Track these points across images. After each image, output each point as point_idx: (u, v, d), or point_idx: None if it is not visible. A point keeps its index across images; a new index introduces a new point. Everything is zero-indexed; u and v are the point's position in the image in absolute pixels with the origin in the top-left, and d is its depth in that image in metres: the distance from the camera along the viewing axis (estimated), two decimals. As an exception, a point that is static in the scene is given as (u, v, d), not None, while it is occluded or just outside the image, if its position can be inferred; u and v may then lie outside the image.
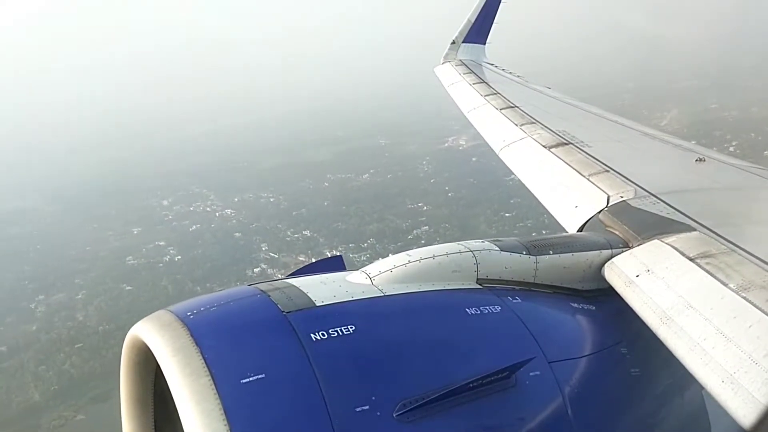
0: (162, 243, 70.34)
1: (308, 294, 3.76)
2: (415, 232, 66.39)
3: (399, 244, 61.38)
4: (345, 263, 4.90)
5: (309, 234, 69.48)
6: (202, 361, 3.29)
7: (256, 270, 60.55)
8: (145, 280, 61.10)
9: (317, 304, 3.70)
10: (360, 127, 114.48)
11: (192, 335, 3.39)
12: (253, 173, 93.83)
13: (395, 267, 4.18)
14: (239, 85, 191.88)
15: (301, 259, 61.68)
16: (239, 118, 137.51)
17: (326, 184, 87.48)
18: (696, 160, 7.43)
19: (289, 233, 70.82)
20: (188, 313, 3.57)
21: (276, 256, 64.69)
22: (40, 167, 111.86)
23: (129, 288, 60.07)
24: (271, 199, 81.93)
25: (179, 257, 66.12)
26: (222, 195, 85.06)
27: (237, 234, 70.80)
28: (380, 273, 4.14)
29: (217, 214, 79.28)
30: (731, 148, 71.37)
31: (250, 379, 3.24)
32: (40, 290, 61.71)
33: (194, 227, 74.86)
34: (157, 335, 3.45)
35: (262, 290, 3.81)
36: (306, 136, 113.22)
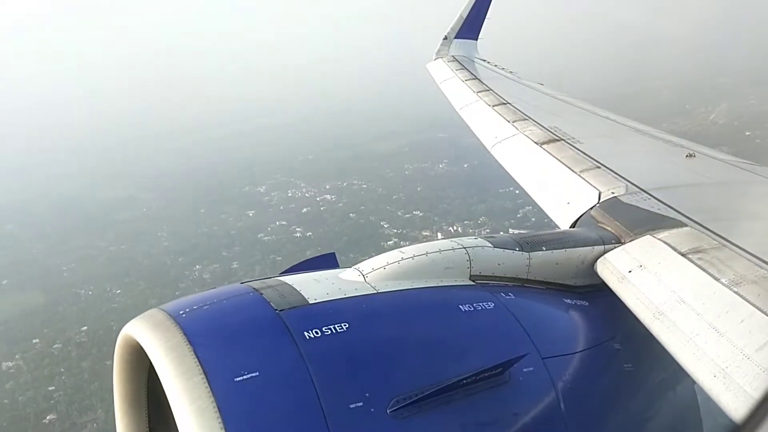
0: (284, 223, 73.98)
1: (301, 292, 3.78)
2: (521, 211, 73.01)
3: (512, 221, 66.40)
4: (338, 260, 4.96)
5: (421, 214, 74.18)
6: (196, 359, 3.31)
7: (389, 243, 67.70)
8: (291, 251, 63.44)
9: (310, 302, 3.71)
10: (411, 122, 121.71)
11: (185, 334, 3.42)
12: (329, 164, 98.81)
13: (388, 264, 4.22)
14: (252, 87, 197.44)
15: (425, 234, 67.90)
16: (275, 119, 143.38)
17: (407, 173, 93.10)
18: (686, 156, 7.48)
19: (399, 213, 76.74)
20: (180, 312, 3.59)
21: (401, 231, 70.47)
22: (111, 159, 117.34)
23: (280, 258, 66.65)
24: (364, 186, 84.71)
25: (310, 233, 69.80)
26: (312, 183, 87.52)
27: (352, 215, 74.22)
28: (373, 270, 4.18)
29: (318, 198, 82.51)
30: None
31: (244, 377, 3.28)
32: (193, 262, 65.71)
33: (305, 209, 78.27)
34: (150, 334, 3.47)
35: (254, 288, 3.82)
36: (358, 131, 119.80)
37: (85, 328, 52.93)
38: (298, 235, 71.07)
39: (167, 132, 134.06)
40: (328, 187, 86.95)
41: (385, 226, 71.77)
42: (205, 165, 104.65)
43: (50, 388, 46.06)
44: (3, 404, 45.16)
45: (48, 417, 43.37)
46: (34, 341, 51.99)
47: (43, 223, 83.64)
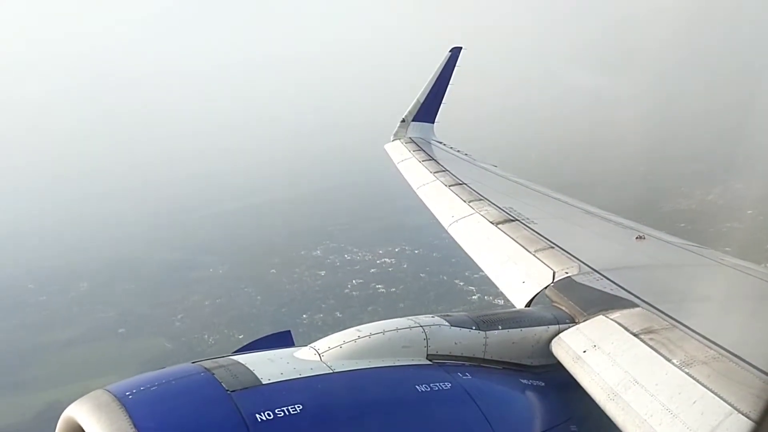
0: (361, 281, 76.67)
1: (254, 371, 3.79)
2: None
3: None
4: (293, 339, 5.07)
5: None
6: None
7: (474, 297, 66.30)
8: (385, 304, 67.00)
9: (264, 382, 3.72)
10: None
11: (130, 417, 3.37)
12: (368, 233, 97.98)
13: (345, 343, 4.29)
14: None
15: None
16: (283, 193, 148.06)
17: (450, 241, 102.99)
18: (636, 238, 7.90)
19: (467, 274, 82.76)
20: (127, 393, 3.54)
21: (479, 287, 68.70)
22: (154, 225, 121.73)
23: (380, 309, 65.22)
24: (416, 251, 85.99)
25: (393, 289, 72.73)
26: (364, 248, 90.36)
27: (422, 275, 76.41)
28: (329, 349, 4.23)
29: (377, 261, 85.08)
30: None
31: None
32: (298, 312, 68.41)
33: (372, 270, 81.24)
34: (93, 417, 3.41)
35: (206, 368, 3.80)
36: (373, 205, 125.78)
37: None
38: (383, 290, 74.00)
39: (187, 206, 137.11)
40: (381, 252, 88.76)
41: (461, 284, 73.75)
42: (245, 232, 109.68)
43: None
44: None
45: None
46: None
47: (119, 282, 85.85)
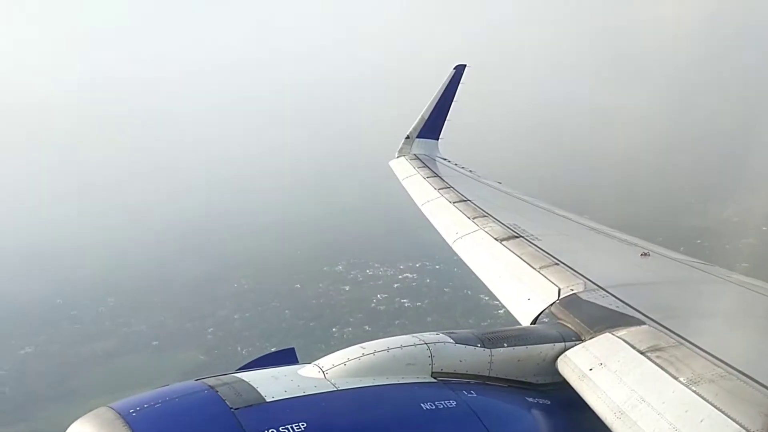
0: (386, 295, 77.48)
1: (258, 389, 3.80)
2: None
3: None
4: (297, 356, 5.03)
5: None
6: None
7: (500, 311, 75.03)
8: (413, 317, 67.61)
9: (267, 400, 3.73)
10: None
11: None
12: (389, 247, 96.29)
13: (349, 360, 4.28)
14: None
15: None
16: (302, 209, 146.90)
17: None
18: (641, 255, 7.87)
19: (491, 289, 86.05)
20: (131, 410, 3.56)
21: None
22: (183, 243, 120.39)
23: (407, 323, 66.05)
24: (437, 267, 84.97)
25: (419, 303, 73.66)
26: (385, 264, 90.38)
27: (446, 289, 76.70)
28: (333, 366, 4.22)
29: (399, 276, 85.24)
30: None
31: None
32: (327, 326, 71.72)
33: (396, 285, 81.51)
34: None
35: (209, 385, 3.81)
36: (399, 219, 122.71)
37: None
38: (408, 305, 74.90)
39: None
40: (402, 267, 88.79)
41: (486, 298, 75.18)
42: (265, 248, 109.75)
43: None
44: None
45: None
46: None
47: (146, 296, 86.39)
